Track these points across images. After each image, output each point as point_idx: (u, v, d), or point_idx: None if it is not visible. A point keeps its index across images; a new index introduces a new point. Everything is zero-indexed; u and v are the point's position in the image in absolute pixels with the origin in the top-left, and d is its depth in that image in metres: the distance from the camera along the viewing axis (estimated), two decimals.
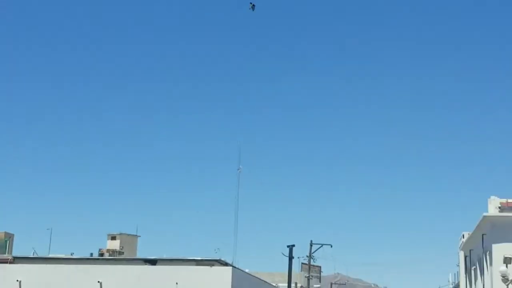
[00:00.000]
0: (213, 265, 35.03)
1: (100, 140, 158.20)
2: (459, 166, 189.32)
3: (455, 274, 66.72)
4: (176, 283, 33.88)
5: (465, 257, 52.47)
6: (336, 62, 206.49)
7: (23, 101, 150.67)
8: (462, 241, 53.04)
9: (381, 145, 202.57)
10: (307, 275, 64.95)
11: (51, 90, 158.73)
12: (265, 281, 48.16)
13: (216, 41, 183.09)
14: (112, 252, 61.90)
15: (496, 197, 43.48)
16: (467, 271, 51.65)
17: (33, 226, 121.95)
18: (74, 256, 44.10)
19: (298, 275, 67.35)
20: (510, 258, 34.81)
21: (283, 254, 46.26)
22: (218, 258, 36.86)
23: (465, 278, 53.41)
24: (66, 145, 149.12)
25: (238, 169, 53.06)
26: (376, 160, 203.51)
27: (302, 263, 69.01)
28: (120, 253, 62.05)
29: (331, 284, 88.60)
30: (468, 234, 48.23)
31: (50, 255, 43.92)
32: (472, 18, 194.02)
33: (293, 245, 45.34)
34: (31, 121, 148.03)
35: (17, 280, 34.93)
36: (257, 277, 45.31)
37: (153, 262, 36.67)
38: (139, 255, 59.54)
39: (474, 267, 46.45)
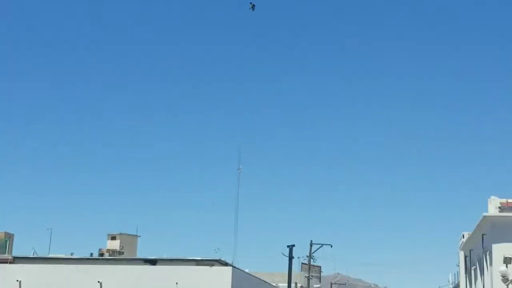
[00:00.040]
0: (213, 265, 35.04)
1: (100, 140, 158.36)
2: (459, 166, 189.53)
3: (455, 274, 66.80)
4: (176, 283, 33.89)
5: (465, 257, 52.48)
6: (336, 62, 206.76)
7: (23, 101, 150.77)
8: (462, 241, 53.04)
9: (381, 145, 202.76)
10: (307, 275, 64.96)
11: (51, 90, 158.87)
12: (265, 281, 48.18)
13: (216, 41, 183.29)
14: (112, 252, 61.90)
15: (496, 197, 43.48)
16: (467, 271, 51.66)
17: (33, 226, 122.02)
18: (74, 256, 44.10)
19: (298, 275, 67.36)
20: (510, 258, 34.81)
21: (283, 254, 46.31)
22: (218, 258, 36.87)
23: (465, 278, 53.42)
24: (66, 145, 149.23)
25: (238, 169, 53.12)
26: (376, 160, 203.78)
27: (302, 263, 69.05)
28: (120, 253, 62.05)
29: (331, 284, 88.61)
30: (468, 234, 48.24)
31: (50, 255, 43.92)
32: (472, 18, 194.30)
33: (293, 245, 45.39)
34: (31, 121, 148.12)
35: (17, 280, 34.93)
36: (257, 277, 45.32)
37: (153, 262, 36.68)
38: (139, 255, 59.56)
39: (474, 267, 46.45)
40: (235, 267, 36.83)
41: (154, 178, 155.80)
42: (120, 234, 65.36)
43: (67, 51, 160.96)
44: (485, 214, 39.10)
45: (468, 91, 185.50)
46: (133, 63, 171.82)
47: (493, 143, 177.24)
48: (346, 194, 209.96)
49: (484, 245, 40.51)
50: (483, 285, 41.92)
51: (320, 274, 78.20)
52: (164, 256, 38.68)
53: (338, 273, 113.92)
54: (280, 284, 56.97)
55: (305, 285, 66.84)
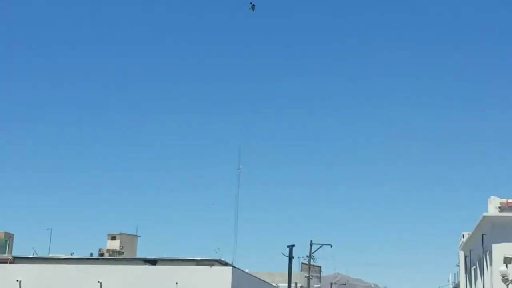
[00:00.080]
0: (213, 265, 35.03)
1: (100, 140, 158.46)
2: (459, 166, 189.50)
3: (455, 274, 66.80)
4: (176, 283, 33.89)
5: (465, 257, 52.48)
6: (336, 62, 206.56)
7: (23, 101, 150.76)
8: (462, 241, 53.04)
9: (381, 145, 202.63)
10: (307, 275, 64.96)
11: (51, 90, 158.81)
12: (265, 281, 48.17)
13: (216, 41, 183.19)
14: (112, 252, 61.87)
15: (496, 197, 43.49)
16: (467, 271, 51.66)
17: (33, 226, 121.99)
18: (74, 256, 44.08)
19: (298, 275, 67.36)
20: (510, 258, 34.81)
21: (283, 254, 46.30)
22: (218, 258, 36.87)
23: (465, 278, 53.42)
24: (66, 145, 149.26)
25: (238, 169, 53.12)
26: (376, 160, 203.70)
27: (302, 263, 69.05)
28: (120, 253, 62.02)
29: (331, 284, 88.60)
30: (468, 234, 48.24)
31: (50, 255, 43.91)
32: (472, 18, 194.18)
33: (293, 245, 45.39)
34: (31, 121, 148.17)
35: (17, 280, 34.93)
36: (257, 277, 45.31)
37: (153, 262, 36.67)
38: (139, 255, 59.54)
39: (474, 267, 46.45)
40: (235, 267, 36.83)
41: (154, 178, 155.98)
42: (120, 234, 65.32)
43: (67, 51, 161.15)
44: (485, 214, 39.10)
45: (468, 91, 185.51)
46: (133, 63, 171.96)
47: (493, 143, 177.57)
48: (346, 194, 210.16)
49: (484, 245, 40.51)
50: (483, 285, 41.92)
51: (320, 274, 78.20)
52: (164, 256, 38.68)
53: (338, 273, 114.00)
54: (280, 284, 56.97)
55: (305, 285, 66.84)
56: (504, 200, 43.20)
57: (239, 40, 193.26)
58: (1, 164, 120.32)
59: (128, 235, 65.89)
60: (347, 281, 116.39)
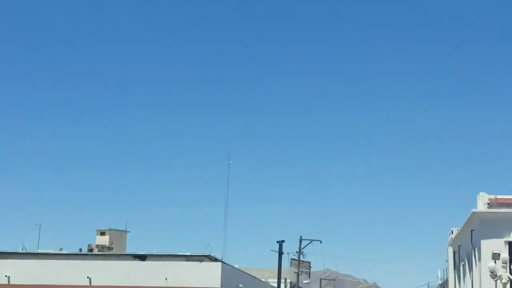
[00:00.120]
0: (202, 260, 35.07)
1: (90, 137, 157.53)
2: (448, 163, 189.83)
3: (443, 270, 66.97)
4: (166, 279, 33.90)
5: (454, 253, 52.65)
6: (336, 62, 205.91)
7: (23, 101, 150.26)
8: (451, 237, 53.23)
9: (374, 143, 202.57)
10: (297, 271, 65.06)
11: (51, 90, 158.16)
12: (254, 277, 48.25)
13: (216, 41, 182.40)
14: (102, 247, 61.69)
15: (485, 194, 43.64)
16: (456, 267, 51.85)
17: (22, 221, 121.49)
18: (63, 252, 44.02)
19: (288, 271, 67.45)
20: (498, 254, 34.96)
21: (272, 250, 46.35)
22: (207, 254, 36.90)
23: (453, 274, 53.62)
24: (56, 142, 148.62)
25: (228, 165, 53.13)
26: (365, 157, 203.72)
27: (292, 259, 69.16)
28: (110, 248, 61.86)
29: (321, 279, 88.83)
30: (457, 230, 48.41)
31: (39, 251, 43.81)
32: (472, 18, 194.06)
33: (283, 241, 45.39)
34: (31, 121, 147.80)
35: (6, 276, 34.86)
36: (246, 273, 45.38)
37: (142, 257, 36.67)
38: (129, 250, 59.34)
39: (463, 263, 46.64)
40: (224, 263, 36.89)
41: (143, 174, 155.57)
42: (110, 229, 65.14)
43: (67, 51, 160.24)
44: (474, 210, 39.22)
45: (468, 91, 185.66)
46: (133, 63, 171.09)
47: (482, 140, 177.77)
48: (335, 190, 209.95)
49: (473, 241, 40.67)
50: (472, 281, 42.11)
51: (309, 269, 78.27)
52: (154, 252, 38.68)
53: (327, 269, 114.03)
54: (269, 280, 57.08)
55: (294, 280, 66.95)
56: (493, 196, 43.36)
57: (239, 40, 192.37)
58: (1, 164, 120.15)
59: (118, 230, 65.72)
60: (337, 276, 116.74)
